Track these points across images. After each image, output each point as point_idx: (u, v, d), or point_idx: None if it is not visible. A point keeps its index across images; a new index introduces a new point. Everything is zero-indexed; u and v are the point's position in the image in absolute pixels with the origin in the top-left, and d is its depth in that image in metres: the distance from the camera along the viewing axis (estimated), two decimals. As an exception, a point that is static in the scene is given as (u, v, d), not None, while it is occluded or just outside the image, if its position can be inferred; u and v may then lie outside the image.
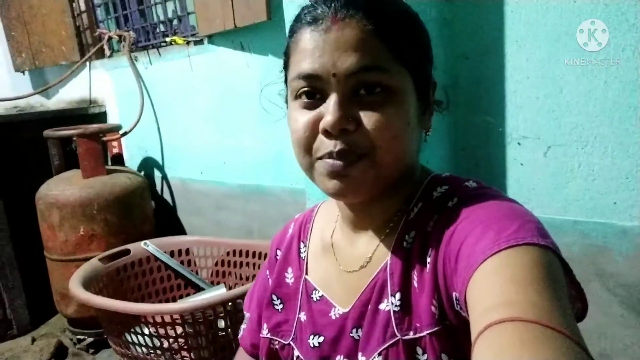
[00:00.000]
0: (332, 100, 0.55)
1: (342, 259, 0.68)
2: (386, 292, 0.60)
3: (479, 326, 0.40)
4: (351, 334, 0.63)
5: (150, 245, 2.03)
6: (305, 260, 0.73)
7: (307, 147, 0.58)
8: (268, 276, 0.79)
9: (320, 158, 0.57)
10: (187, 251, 2.10)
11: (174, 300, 2.03)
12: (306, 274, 0.72)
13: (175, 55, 2.29)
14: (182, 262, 2.08)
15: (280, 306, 0.74)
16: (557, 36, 1.10)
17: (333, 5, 0.55)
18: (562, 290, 0.43)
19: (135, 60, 2.50)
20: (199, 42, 2.15)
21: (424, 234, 0.59)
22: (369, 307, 0.62)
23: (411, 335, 0.57)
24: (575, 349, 0.36)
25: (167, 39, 2.31)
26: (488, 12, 1.19)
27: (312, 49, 0.55)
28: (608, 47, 1.05)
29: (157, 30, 2.48)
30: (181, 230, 2.51)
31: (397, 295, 0.59)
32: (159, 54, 2.38)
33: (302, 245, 0.75)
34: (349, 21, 0.54)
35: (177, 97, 2.34)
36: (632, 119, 1.04)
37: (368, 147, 0.55)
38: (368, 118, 0.54)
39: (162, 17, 2.41)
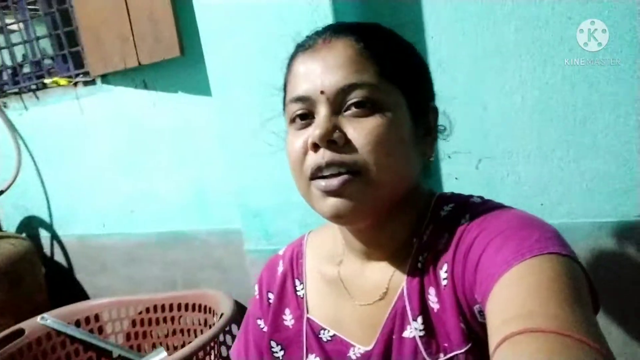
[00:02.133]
0: (321, 115, 0.55)
1: (355, 292, 0.65)
2: (407, 318, 0.58)
3: (498, 337, 0.40)
4: None
5: (49, 319, 1.73)
6: (305, 298, 0.69)
7: (300, 168, 0.57)
8: (262, 326, 0.73)
9: (313, 178, 0.56)
10: (97, 317, 1.83)
11: (88, 378, 1.74)
12: (307, 312, 0.67)
13: (58, 98, 2.03)
14: (91, 331, 1.81)
15: (281, 353, 0.68)
16: (479, 57, 1.20)
17: (325, 32, 0.58)
18: (585, 299, 0.44)
19: (4, 106, 2.17)
20: (89, 83, 1.94)
21: (435, 253, 0.58)
22: (394, 337, 0.59)
23: (442, 357, 0.55)
24: (596, 357, 0.36)
25: (46, 81, 2.04)
26: (410, 39, 1.26)
27: (304, 72, 0.57)
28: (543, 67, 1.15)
29: (23, 71, 2.16)
30: (84, 295, 2.19)
31: (419, 320, 0.57)
32: (37, 98, 2.09)
33: (297, 282, 0.71)
34: (336, 42, 0.56)
35: (67, 145, 2.06)
36: (548, 128, 1.17)
37: (360, 164, 0.54)
38: (358, 132, 0.54)
39: (31, 57, 2.12)
